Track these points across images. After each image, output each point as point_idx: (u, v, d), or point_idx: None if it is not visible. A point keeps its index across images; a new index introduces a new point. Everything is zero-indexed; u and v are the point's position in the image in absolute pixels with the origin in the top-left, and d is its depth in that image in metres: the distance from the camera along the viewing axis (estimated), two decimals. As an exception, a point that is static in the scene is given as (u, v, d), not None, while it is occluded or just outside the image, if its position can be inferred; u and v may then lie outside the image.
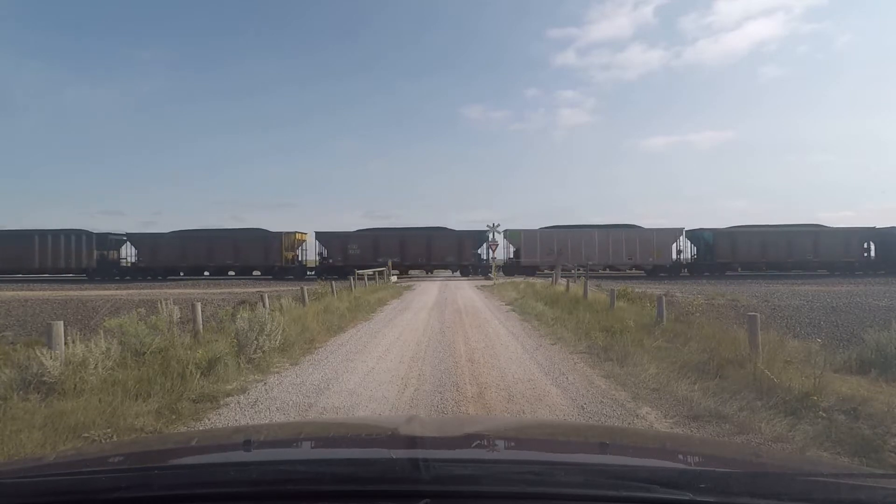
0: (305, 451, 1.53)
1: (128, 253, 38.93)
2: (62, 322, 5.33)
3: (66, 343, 5.14)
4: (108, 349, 5.49)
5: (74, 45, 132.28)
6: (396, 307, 15.07)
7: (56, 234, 37.15)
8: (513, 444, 1.64)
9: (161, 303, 8.22)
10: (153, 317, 7.50)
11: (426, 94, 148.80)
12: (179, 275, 37.20)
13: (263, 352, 6.88)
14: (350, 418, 4.20)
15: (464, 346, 8.03)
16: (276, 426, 3.22)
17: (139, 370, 5.36)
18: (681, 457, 1.52)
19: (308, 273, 36.17)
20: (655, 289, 19.52)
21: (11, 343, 9.86)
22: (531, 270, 34.46)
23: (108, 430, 3.95)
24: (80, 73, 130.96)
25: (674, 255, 35.88)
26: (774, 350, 5.81)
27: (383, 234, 36.92)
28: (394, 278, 30.31)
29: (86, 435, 3.82)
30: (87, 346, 5.24)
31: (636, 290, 17.30)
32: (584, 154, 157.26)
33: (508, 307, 14.70)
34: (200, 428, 4.29)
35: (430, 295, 19.62)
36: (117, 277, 36.83)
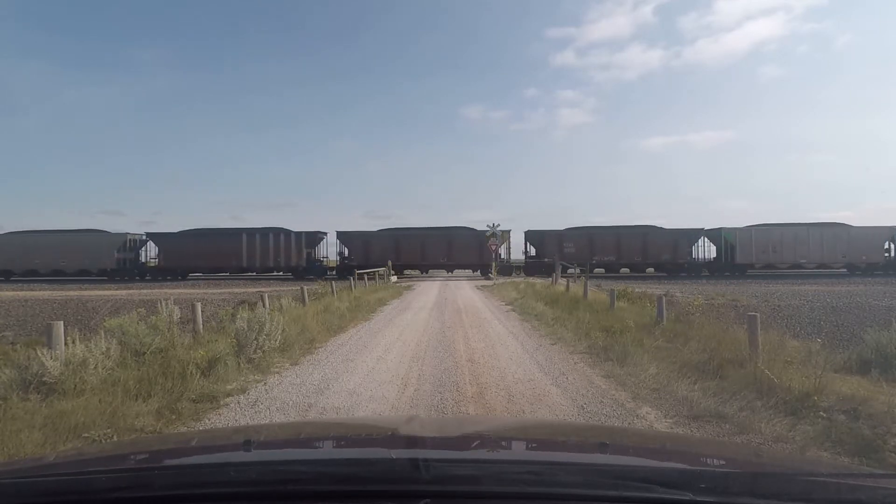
0: (305, 452, 1.53)
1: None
2: (62, 322, 5.33)
3: (66, 343, 5.13)
4: (109, 349, 5.49)
5: (74, 45, 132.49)
6: (396, 307, 15.07)
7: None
8: (513, 444, 1.64)
9: (161, 303, 8.21)
10: (153, 317, 7.50)
11: (426, 95, 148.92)
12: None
13: (263, 352, 6.88)
14: (350, 418, 4.20)
15: (464, 346, 8.03)
16: (276, 426, 3.22)
17: (139, 370, 5.36)
18: (681, 457, 1.52)
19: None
20: (655, 289, 19.52)
21: (11, 343, 9.87)
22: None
23: (108, 430, 3.94)
24: (80, 73, 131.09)
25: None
26: (774, 350, 5.81)
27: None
28: (394, 278, 30.31)
29: (86, 435, 3.82)
30: (87, 347, 5.24)
31: (636, 290, 17.31)
32: (585, 154, 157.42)
33: (508, 307, 14.70)
34: (200, 428, 4.29)
35: (430, 295, 19.62)
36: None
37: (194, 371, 5.47)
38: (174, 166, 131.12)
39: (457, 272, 38.11)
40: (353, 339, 9.13)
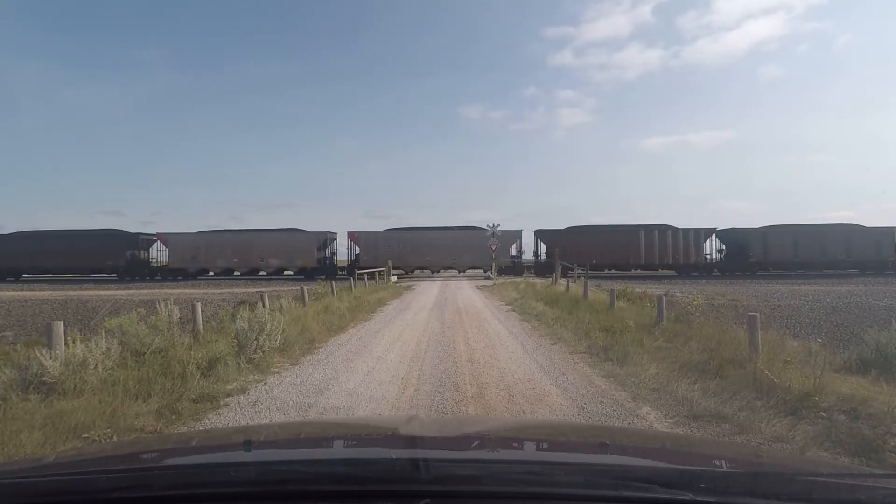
0: (305, 451, 1.53)
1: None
2: (62, 322, 5.32)
3: (66, 343, 5.13)
4: (108, 349, 5.48)
5: (74, 45, 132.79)
6: (396, 307, 15.06)
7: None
8: (513, 444, 1.63)
9: (161, 303, 8.21)
10: (153, 317, 7.49)
11: (425, 95, 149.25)
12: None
13: (263, 352, 6.88)
14: (350, 418, 4.20)
15: (464, 346, 8.03)
16: (276, 426, 3.22)
17: (139, 370, 5.35)
18: (681, 457, 1.52)
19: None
20: (656, 289, 19.51)
21: (11, 343, 9.87)
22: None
23: (108, 430, 3.94)
24: (80, 73, 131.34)
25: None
26: (774, 350, 5.81)
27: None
28: (394, 278, 30.29)
29: (86, 435, 3.82)
30: (87, 347, 5.24)
31: (636, 289, 17.30)
32: (584, 154, 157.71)
33: (508, 307, 14.69)
34: (200, 428, 4.29)
35: (430, 295, 19.61)
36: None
37: (194, 371, 5.47)
38: (174, 166, 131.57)
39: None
40: (353, 339, 9.13)
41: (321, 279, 30.15)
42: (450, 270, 38.07)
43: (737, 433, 3.97)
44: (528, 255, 38.72)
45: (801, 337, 8.44)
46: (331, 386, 5.64)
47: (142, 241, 38.21)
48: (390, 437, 1.57)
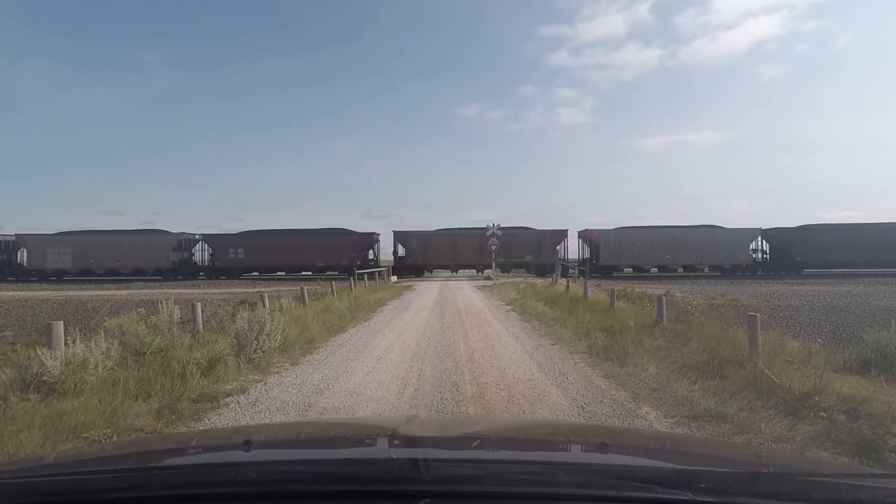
0: (305, 452, 1.53)
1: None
2: (62, 322, 5.32)
3: (66, 343, 5.13)
4: (109, 349, 5.49)
5: (74, 45, 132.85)
6: (396, 307, 15.06)
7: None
8: (513, 444, 1.63)
9: (161, 303, 8.21)
10: (153, 317, 7.49)
11: (423, 94, 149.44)
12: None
13: (263, 352, 6.88)
14: (350, 418, 4.20)
15: (464, 346, 8.03)
16: (276, 426, 3.22)
17: (139, 370, 5.35)
18: (681, 457, 1.52)
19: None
20: (655, 289, 19.52)
21: (11, 343, 9.86)
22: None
23: (108, 430, 3.95)
24: (80, 73, 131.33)
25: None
26: (774, 350, 5.81)
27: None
28: (394, 278, 30.29)
29: (86, 435, 3.82)
30: (87, 347, 5.24)
31: (636, 290, 17.31)
32: (584, 153, 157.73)
33: (508, 307, 14.69)
34: (200, 428, 4.29)
35: (430, 295, 19.61)
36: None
37: (194, 371, 5.47)
38: (174, 166, 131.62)
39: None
40: (353, 339, 9.13)
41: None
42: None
43: (737, 433, 3.97)
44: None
45: (802, 337, 8.43)
46: (331, 386, 5.64)
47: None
48: (390, 437, 1.57)
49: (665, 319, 8.79)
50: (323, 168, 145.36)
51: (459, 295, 19.38)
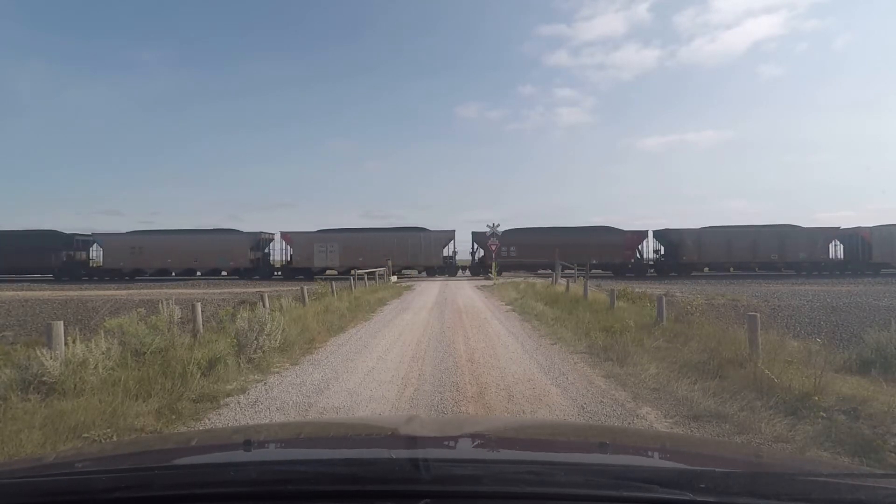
0: (305, 452, 1.53)
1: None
2: (62, 322, 5.32)
3: (66, 343, 5.13)
4: (109, 349, 5.48)
5: (74, 45, 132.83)
6: (396, 307, 15.06)
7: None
8: (513, 444, 1.63)
9: (161, 303, 8.21)
10: (153, 317, 7.49)
11: (422, 94, 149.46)
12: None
13: (263, 352, 6.88)
14: (350, 418, 4.20)
15: (464, 346, 8.03)
16: (276, 426, 3.22)
17: (139, 370, 5.35)
18: (681, 457, 1.52)
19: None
20: (655, 289, 19.52)
21: (11, 343, 9.87)
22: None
23: (108, 430, 3.94)
24: (80, 73, 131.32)
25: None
26: (774, 350, 5.82)
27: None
28: (394, 278, 30.28)
29: (86, 435, 3.81)
30: (87, 347, 5.24)
31: (636, 290, 17.31)
32: (584, 153, 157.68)
33: (508, 307, 14.69)
34: (200, 428, 4.29)
35: (429, 295, 19.61)
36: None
37: (194, 371, 5.47)
38: (173, 166, 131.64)
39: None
40: (353, 338, 9.13)
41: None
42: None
43: (737, 433, 3.97)
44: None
45: (802, 337, 8.44)
46: (331, 386, 5.64)
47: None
48: (390, 437, 1.57)
49: (665, 319, 8.79)
50: (323, 168, 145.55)
51: (459, 295, 19.38)
